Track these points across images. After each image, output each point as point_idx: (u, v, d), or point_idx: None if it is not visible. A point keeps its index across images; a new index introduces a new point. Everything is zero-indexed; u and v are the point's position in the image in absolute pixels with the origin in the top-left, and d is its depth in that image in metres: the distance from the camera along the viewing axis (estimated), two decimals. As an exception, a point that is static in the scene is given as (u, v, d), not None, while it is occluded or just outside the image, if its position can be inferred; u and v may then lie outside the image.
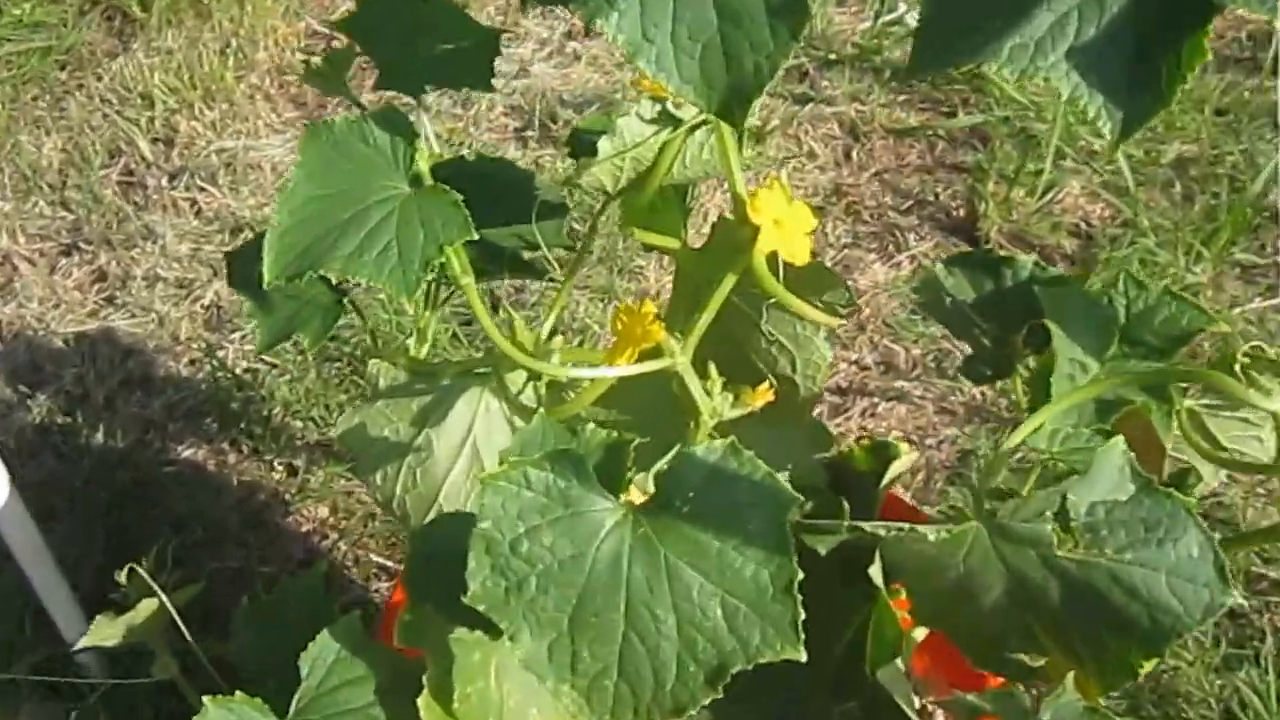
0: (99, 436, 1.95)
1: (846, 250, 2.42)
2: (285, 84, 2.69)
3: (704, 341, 1.10)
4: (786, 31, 0.72)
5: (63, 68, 2.55)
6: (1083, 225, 2.46)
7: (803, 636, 0.78)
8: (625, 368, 0.94)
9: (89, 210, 2.36)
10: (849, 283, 2.36)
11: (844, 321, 0.94)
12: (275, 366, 2.06)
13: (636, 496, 0.90)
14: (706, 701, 0.79)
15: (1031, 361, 1.15)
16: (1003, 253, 2.35)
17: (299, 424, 1.97)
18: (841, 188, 2.52)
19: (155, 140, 2.52)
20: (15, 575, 1.57)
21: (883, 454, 1.14)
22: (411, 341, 1.15)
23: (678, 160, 0.96)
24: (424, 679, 0.89)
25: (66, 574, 1.57)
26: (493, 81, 0.95)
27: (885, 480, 1.12)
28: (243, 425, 1.97)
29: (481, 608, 0.80)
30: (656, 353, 0.97)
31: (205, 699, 0.91)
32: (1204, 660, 1.69)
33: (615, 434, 0.91)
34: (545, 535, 0.79)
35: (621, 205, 1.02)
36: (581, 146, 0.95)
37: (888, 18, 2.76)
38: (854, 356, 2.26)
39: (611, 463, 0.86)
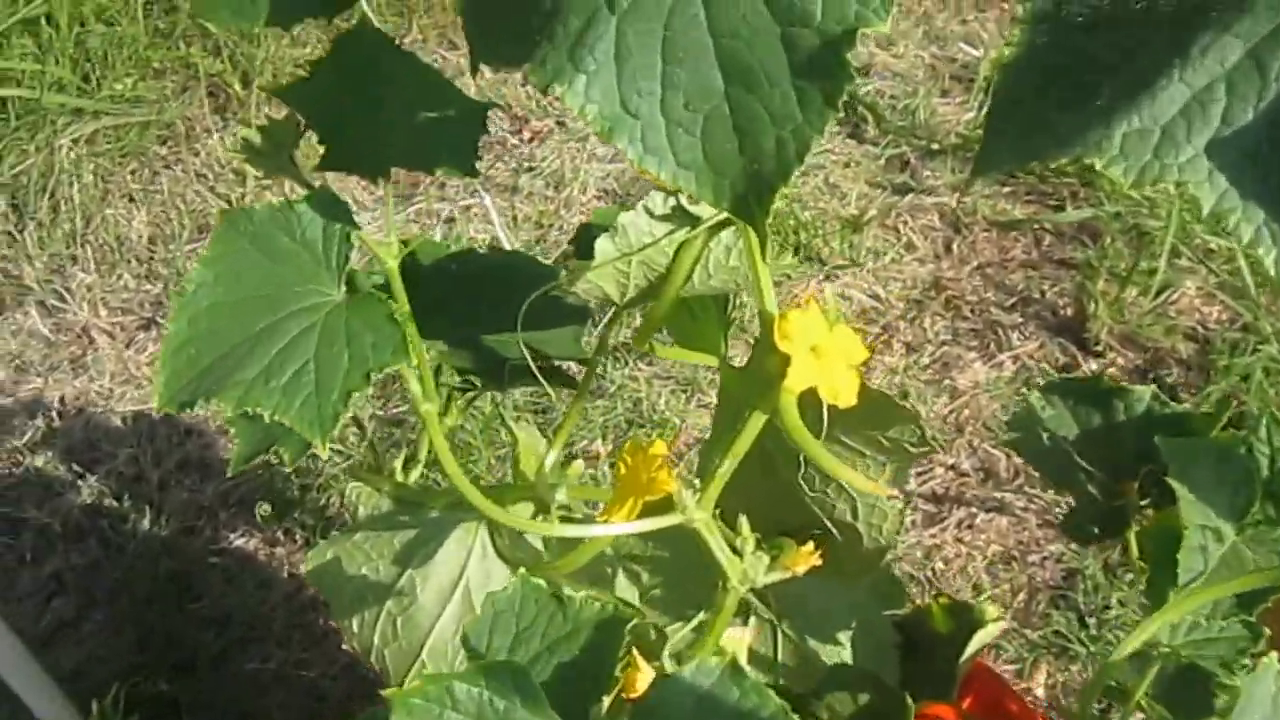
0: (146, 522, 1.76)
1: (945, 347, 2.15)
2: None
3: (739, 480, 0.85)
4: (819, 97, 0.48)
5: (162, 142, 2.42)
6: (1199, 329, 2.16)
7: None
8: (623, 525, 0.70)
9: (173, 285, 2.21)
10: (946, 382, 2.10)
11: (896, 495, 0.69)
12: (338, 450, 1.86)
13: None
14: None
15: (1149, 515, 0.88)
16: (1112, 369, 2.07)
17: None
18: (941, 281, 2.25)
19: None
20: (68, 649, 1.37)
21: (965, 617, 0.88)
22: (398, 464, 0.92)
23: (699, 267, 0.72)
24: None
25: (95, 669, 1.38)
26: (476, 165, 0.73)
27: (968, 653, 0.86)
28: (296, 515, 1.77)
29: None
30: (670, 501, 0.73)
31: None
32: None
33: (611, 608, 0.68)
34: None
35: (643, 317, 0.79)
36: (588, 244, 0.72)
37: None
38: (951, 461, 1.99)
39: (592, 660, 0.62)
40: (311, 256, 0.68)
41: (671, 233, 0.71)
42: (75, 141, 2.36)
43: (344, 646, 1.66)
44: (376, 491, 0.90)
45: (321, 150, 0.73)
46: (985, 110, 0.49)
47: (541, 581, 0.71)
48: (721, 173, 0.50)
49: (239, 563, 1.72)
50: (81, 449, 1.89)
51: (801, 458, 0.86)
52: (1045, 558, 1.88)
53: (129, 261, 2.27)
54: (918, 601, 0.97)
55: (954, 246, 2.32)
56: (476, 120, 0.74)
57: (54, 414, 1.96)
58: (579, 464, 0.92)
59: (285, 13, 0.68)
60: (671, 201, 0.73)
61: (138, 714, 1.42)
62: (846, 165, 2.45)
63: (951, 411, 2.05)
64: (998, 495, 1.95)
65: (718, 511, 0.84)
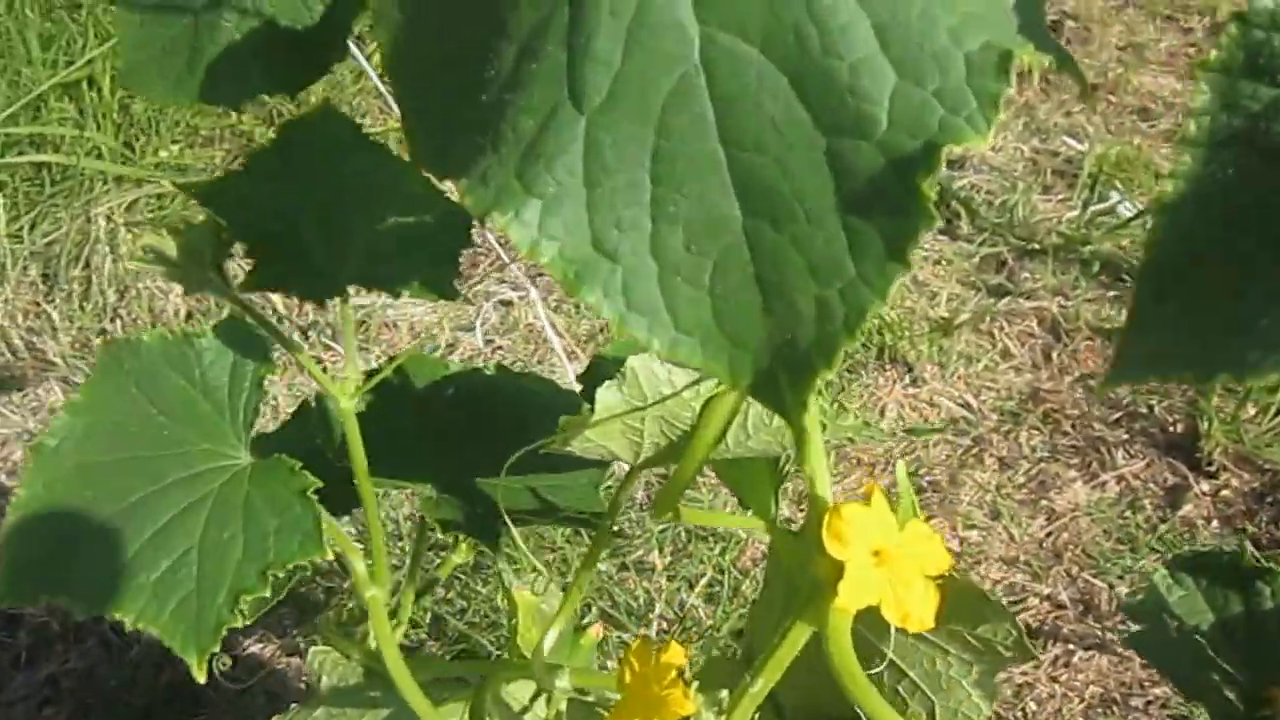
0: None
1: (1043, 464, 1.96)
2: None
3: (798, 684, 0.69)
4: (880, 243, 0.32)
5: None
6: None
7: None
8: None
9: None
10: (1043, 502, 1.90)
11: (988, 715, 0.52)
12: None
13: None
14: None
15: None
16: (1226, 491, 1.86)
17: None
18: (1039, 392, 2.06)
19: (295, 292, 2.26)
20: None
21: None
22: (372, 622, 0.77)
23: (734, 427, 0.56)
24: None
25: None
26: (455, 285, 0.58)
27: None
28: (318, 621, 1.62)
29: None
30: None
31: None
32: None
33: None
34: None
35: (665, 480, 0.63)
36: (598, 383, 0.56)
37: (1098, 207, 2.31)
38: (1047, 591, 1.79)
39: None
40: (213, 406, 0.53)
41: (696, 383, 0.55)
42: (113, 210, 2.26)
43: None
44: (345, 659, 0.74)
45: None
46: (1134, 293, 0.32)
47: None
48: (740, 343, 0.34)
49: (250, 673, 1.58)
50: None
51: (877, 661, 0.70)
52: (1149, 702, 1.68)
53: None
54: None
55: (1054, 355, 2.13)
56: (460, 230, 0.59)
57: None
58: (596, 631, 0.77)
59: (232, 88, 0.54)
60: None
61: None
62: (937, 263, 2.27)
63: (1049, 535, 1.85)
64: (1098, 631, 1.75)
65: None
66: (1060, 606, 1.80)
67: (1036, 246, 2.26)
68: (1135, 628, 0.81)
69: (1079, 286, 2.19)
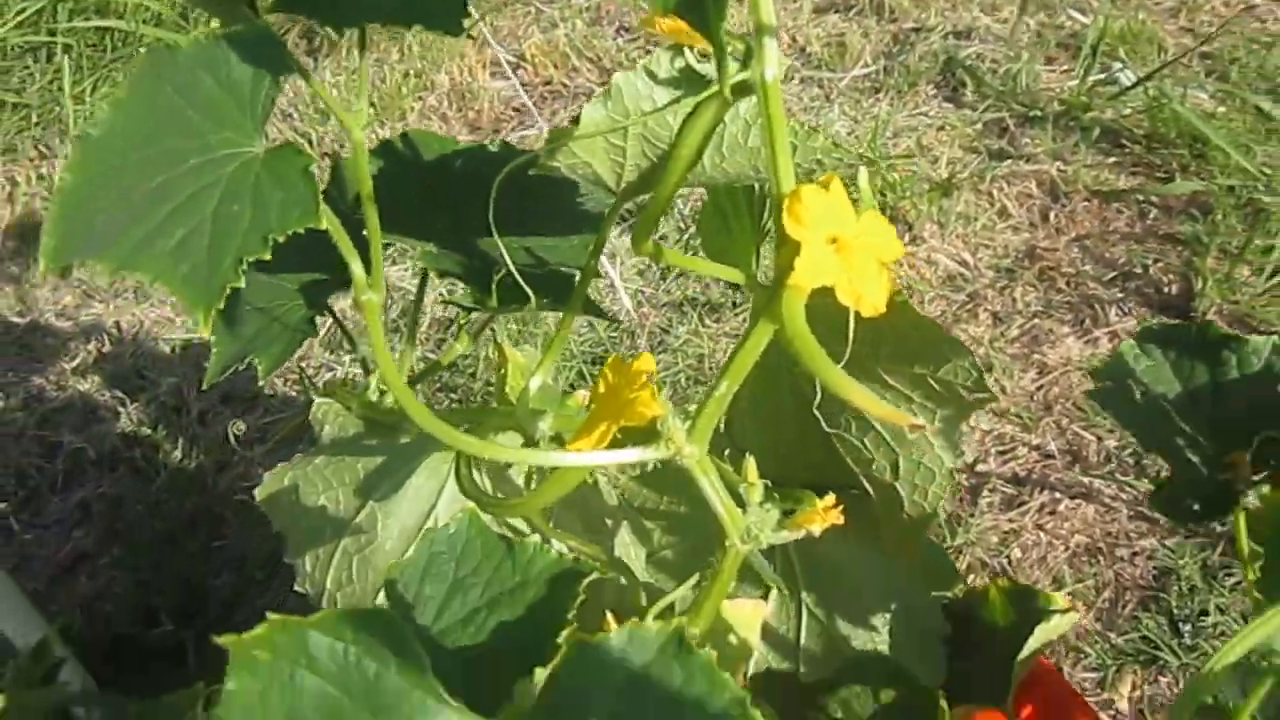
0: (178, 454, 1.65)
1: (1036, 320, 1.94)
2: (463, 106, 2.40)
3: (765, 428, 0.69)
4: None
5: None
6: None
7: None
8: (592, 454, 0.54)
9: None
10: (1035, 356, 1.89)
11: (922, 426, 0.52)
12: (384, 393, 1.73)
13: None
14: None
15: (1265, 494, 0.69)
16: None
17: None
18: (1036, 250, 2.05)
19: (323, 155, 2.26)
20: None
21: (1028, 606, 0.71)
22: (374, 381, 0.78)
23: (711, 148, 0.56)
24: None
25: (107, 605, 1.27)
26: (463, 24, 0.57)
27: (1027, 650, 0.69)
28: (333, 456, 1.64)
29: None
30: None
31: None
32: None
33: (570, 560, 0.52)
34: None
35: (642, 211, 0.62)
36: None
37: (1099, 76, 2.27)
38: (1036, 441, 1.79)
39: (538, 620, 0.47)
40: (235, 102, 0.53)
41: (677, 100, 0.54)
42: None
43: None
44: (346, 410, 0.75)
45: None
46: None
47: (489, 521, 0.56)
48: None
49: (271, 501, 1.60)
50: (128, 375, 1.79)
51: (846, 414, 0.70)
52: (1136, 553, 1.68)
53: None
54: (976, 585, 0.79)
55: (1051, 215, 2.11)
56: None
57: (107, 340, 1.86)
58: (582, 396, 0.77)
59: None
60: (679, 62, 0.57)
61: (145, 655, 1.30)
62: (940, 129, 2.24)
63: (1040, 388, 1.85)
64: (1085, 481, 1.75)
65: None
66: (1049, 456, 1.80)
67: (1038, 113, 2.23)
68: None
69: (1078, 151, 2.16)
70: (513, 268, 0.67)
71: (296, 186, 0.49)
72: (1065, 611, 0.70)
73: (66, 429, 1.69)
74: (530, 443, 0.74)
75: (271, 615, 0.41)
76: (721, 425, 0.82)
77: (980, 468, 1.74)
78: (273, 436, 1.68)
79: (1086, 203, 2.12)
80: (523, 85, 2.41)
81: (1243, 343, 0.75)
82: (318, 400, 0.75)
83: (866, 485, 0.72)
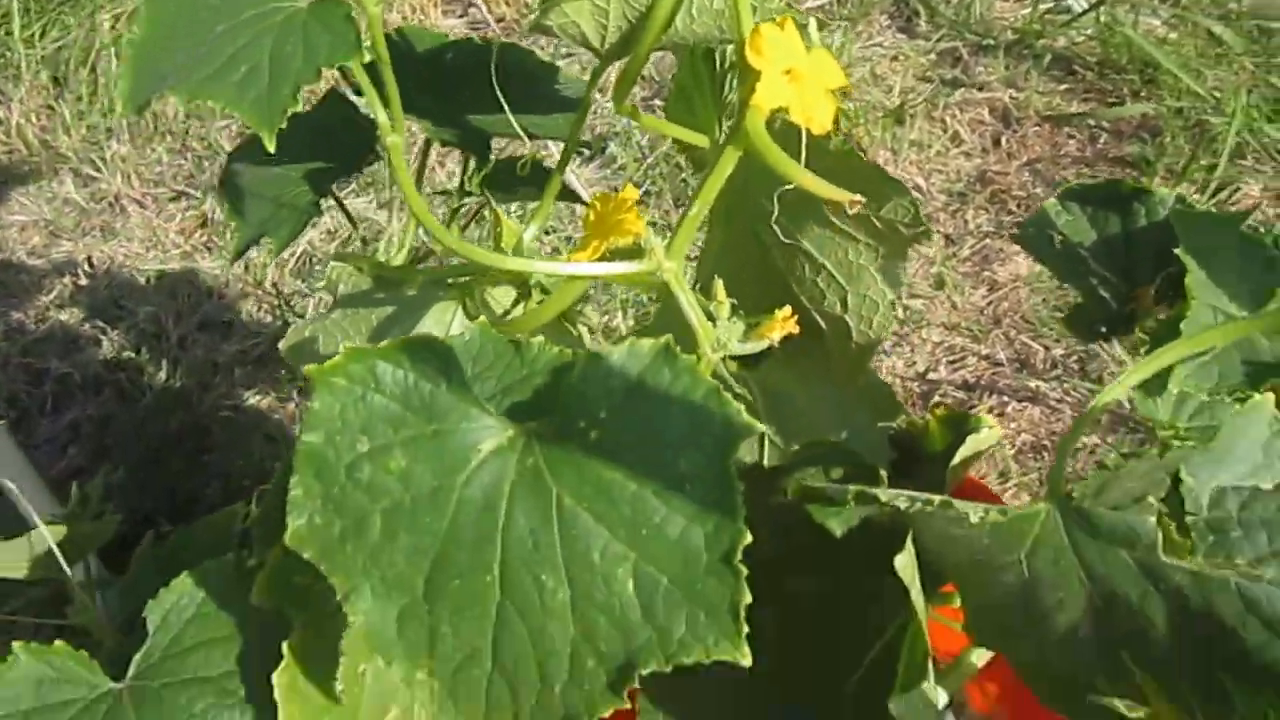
0: (163, 376, 1.76)
1: (987, 240, 2.08)
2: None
3: (730, 268, 0.82)
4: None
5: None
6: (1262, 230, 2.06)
7: (745, 629, 0.49)
8: (588, 265, 0.67)
9: (205, 159, 2.20)
10: (985, 274, 2.03)
11: (859, 200, 0.64)
12: (391, 255, 1.85)
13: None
14: (606, 712, 0.51)
15: (1160, 318, 0.83)
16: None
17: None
18: (988, 175, 2.18)
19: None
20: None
21: (961, 429, 0.84)
22: (382, 245, 0.90)
23: (682, 11, 0.68)
24: (284, 646, 0.63)
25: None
26: None
27: (957, 459, 0.82)
28: (312, 375, 1.75)
29: (308, 554, 0.53)
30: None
31: (16, 645, 0.68)
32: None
33: (569, 353, 0.64)
34: (396, 458, 0.53)
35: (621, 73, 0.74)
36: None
37: (1049, 4, 2.41)
38: (985, 351, 1.93)
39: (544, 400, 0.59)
40: None
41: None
42: (116, 18, 2.36)
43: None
44: (357, 271, 0.87)
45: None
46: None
47: (498, 331, 0.68)
48: None
49: (251, 419, 1.71)
50: (106, 306, 1.89)
51: (800, 258, 0.82)
52: (1078, 449, 1.82)
53: (164, 136, 2.26)
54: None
55: (1003, 140, 2.24)
56: None
57: (81, 274, 1.96)
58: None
59: None
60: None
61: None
62: (895, 59, 2.37)
63: (990, 303, 1.99)
64: (1032, 385, 1.89)
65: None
66: (997, 364, 1.94)
67: (991, 42, 2.36)
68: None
69: (1030, 78, 2.29)
70: (516, 125, 0.79)
71: (340, 29, 0.61)
72: (991, 428, 0.83)
73: (52, 356, 1.79)
74: (524, 291, 0.87)
75: (346, 344, 0.53)
76: (695, 282, 0.94)
77: (931, 376, 1.88)
78: (250, 359, 1.79)
79: (1038, 128, 2.26)
80: (474, 25, 2.52)
81: (1150, 194, 0.89)
82: (332, 264, 0.87)
83: (820, 320, 0.84)
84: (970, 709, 0.74)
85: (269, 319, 1.86)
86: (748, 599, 0.49)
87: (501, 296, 0.87)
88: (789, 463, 0.72)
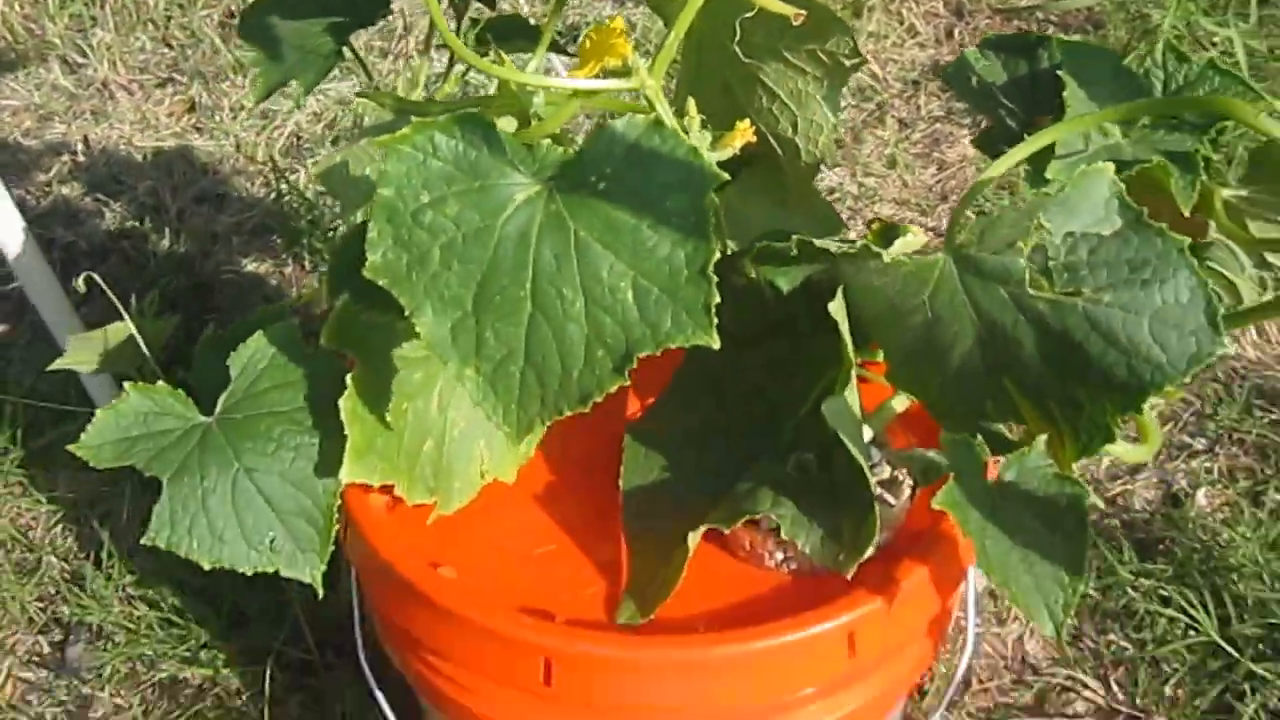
0: (166, 243, 1.94)
1: (937, 125, 2.28)
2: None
3: (701, 96, 1.01)
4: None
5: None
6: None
7: (715, 321, 0.69)
8: (585, 80, 0.86)
9: (188, 47, 2.36)
10: (935, 155, 2.24)
11: (803, 14, 0.83)
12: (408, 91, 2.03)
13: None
14: (613, 389, 0.71)
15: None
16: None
17: (358, 245, 1.93)
18: (940, 64, 2.38)
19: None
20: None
21: (891, 235, 1.04)
22: (402, 81, 1.08)
23: None
24: (350, 379, 0.83)
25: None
26: None
27: (887, 258, 1.02)
28: (305, 242, 1.94)
29: (383, 282, 0.73)
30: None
31: (127, 385, 0.87)
32: (1261, 537, 1.55)
33: (572, 150, 0.84)
34: (450, 206, 0.72)
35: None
36: None
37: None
38: (932, 224, 2.14)
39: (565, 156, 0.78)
40: None
41: None
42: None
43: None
44: (380, 105, 1.05)
45: None
46: None
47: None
48: None
49: (251, 282, 1.90)
50: (105, 182, 2.06)
51: (759, 90, 1.02)
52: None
53: (146, 25, 2.41)
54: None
55: (956, 32, 2.43)
56: None
57: (78, 153, 2.13)
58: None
59: None
60: None
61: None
62: (854, -47, 2.55)
63: (938, 181, 2.19)
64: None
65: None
66: (940, 235, 2.15)
67: (944, -64, 2.54)
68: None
69: None
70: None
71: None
72: (916, 234, 1.03)
73: (57, 226, 1.97)
74: (525, 121, 1.06)
75: (415, 118, 0.72)
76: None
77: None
78: (245, 229, 1.97)
79: (989, 20, 2.45)
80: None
81: (1052, 40, 1.09)
82: (357, 99, 1.05)
83: (775, 144, 1.04)
84: (890, 446, 0.95)
85: (261, 193, 2.04)
86: (717, 300, 0.69)
87: (505, 126, 1.06)
88: (747, 247, 0.92)
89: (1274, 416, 1.74)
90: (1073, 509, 0.80)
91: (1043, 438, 0.82)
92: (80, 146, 2.14)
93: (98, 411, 0.86)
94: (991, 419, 0.86)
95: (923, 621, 0.91)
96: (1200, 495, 1.64)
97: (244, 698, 1.45)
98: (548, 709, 0.87)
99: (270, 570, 0.86)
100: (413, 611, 0.90)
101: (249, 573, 0.86)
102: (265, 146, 2.10)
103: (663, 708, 0.86)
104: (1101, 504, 1.64)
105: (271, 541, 0.85)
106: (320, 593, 0.90)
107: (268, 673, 1.43)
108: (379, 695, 1.07)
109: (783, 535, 0.84)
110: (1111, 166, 0.77)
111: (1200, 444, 1.72)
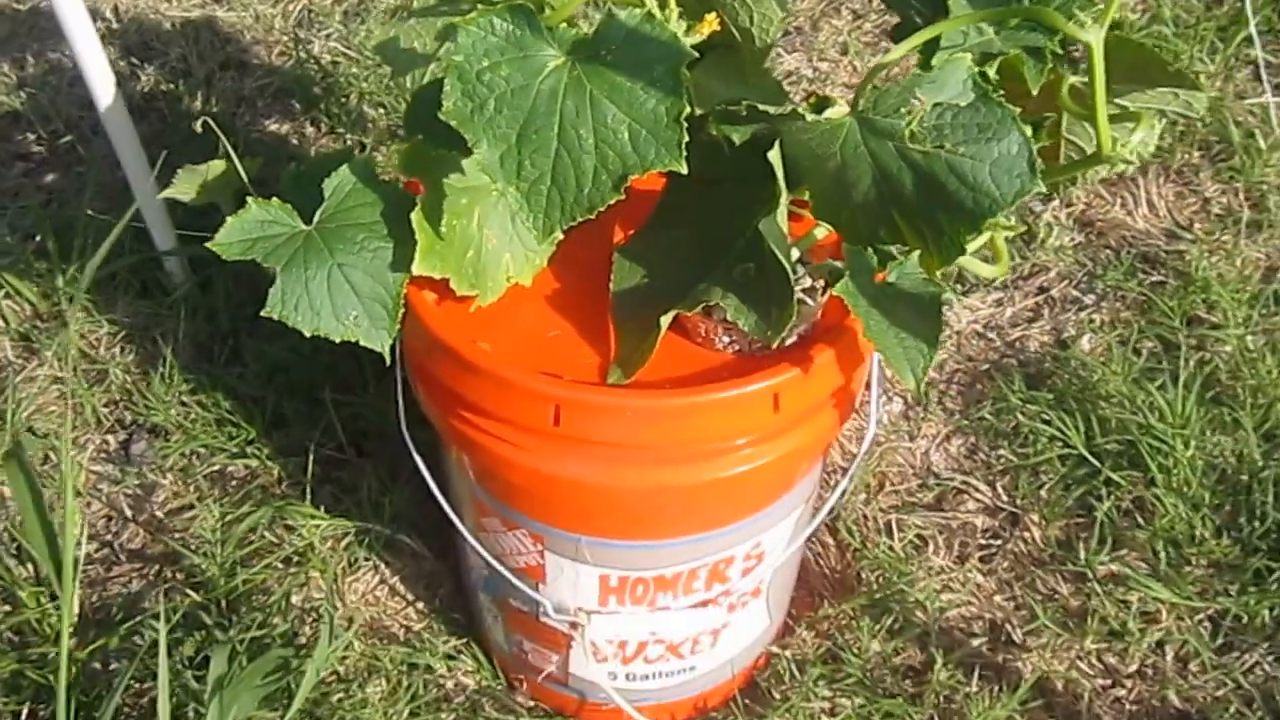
0: (197, 104, 2.27)
1: (886, 16, 2.62)
2: None
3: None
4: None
5: None
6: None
7: (685, 154, 1.05)
8: (593, -21, 1.20)
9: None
10: (883, 44, 2.58)
11: None
12: (356, 60, 2.35)
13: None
14: (612, 201, 1.06)
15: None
16: None
17: (372, 110, 2.27)
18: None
19: None
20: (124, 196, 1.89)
21: (824, 105, 1.39)
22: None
23: None
24: (419, 200, 1.19)
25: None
26: None
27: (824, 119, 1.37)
28: (323, 107, 2.27)
29: (452, 122, 1.08)
30: None
31: (250, 199, 1.21)
32: (1127, 372, 1.95)
33: (583, 32, 1.18)
34: (503, 69, 1.07)
35: None
36: None
37: None
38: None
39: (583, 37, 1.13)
40: None
41: None
42: None
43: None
44: (425, -7, 1.39)
45: None
46: None
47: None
48: None
49: (276, 140, 2.23)
50: (137, 48, 2.38)
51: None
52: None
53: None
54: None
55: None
56: None
57: (111, 19, 2.43)
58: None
59: None
60: None
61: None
62: None
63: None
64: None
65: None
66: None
67: None
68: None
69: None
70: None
71: None
72: (838, 105, 1.39)
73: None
74: (541, 9, 1.40)
75: (481, 5, 1.07)
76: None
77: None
78: (269, 93, 2.30)
79: (937, -80, 2.78)
80: None
81: (954, -42, 1.43)
82: (406, -16, 1.38)
83: (735, 32, 1.39)
84: (811, 262, 1.32)
85: (280, 61, 2.36)
86: (686, 139, 1.05)
87: (523, 12, 1.40)
88: (711, 110, 1.28)
89: (1154, 278, 2.13)
90: (932, 301, 1.18)
91: (916, 252, 1.19)
92: (111, 14, 2.45)
93: (228, 219, 1.21)
94: (883, 241, 1.23)
95: (832, 389, 1.29)
96: (1084, 340, 2.03)
97: (283, 485, 1.83)
98: (555, 445, 1.25)
99: (352, 340, 1.22)
100: (456, 374, 1.26)
101: (337, 339, 1.22)
102: (282, 19, 2.41)
103: (637, 444, 1.23)
104: (1001, 346, 2.03)
105: (354, 318, 1.21)
106: (387, 359, 1.26)
107: (309, 464, 1.79)
108: (416, 456, 1.44)
109: (729, 318, 1.21)
110: (969, 56, 1.13)
111: (1089, 300, 2.11)
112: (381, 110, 2.26)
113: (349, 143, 2.21)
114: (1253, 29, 2.51)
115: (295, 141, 2.24)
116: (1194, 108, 1.38)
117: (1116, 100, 1.38)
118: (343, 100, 2.28)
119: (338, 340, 1.22)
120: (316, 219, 1.24)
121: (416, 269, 1.19)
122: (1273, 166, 2.32)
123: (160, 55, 2.35)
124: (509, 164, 1.08)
